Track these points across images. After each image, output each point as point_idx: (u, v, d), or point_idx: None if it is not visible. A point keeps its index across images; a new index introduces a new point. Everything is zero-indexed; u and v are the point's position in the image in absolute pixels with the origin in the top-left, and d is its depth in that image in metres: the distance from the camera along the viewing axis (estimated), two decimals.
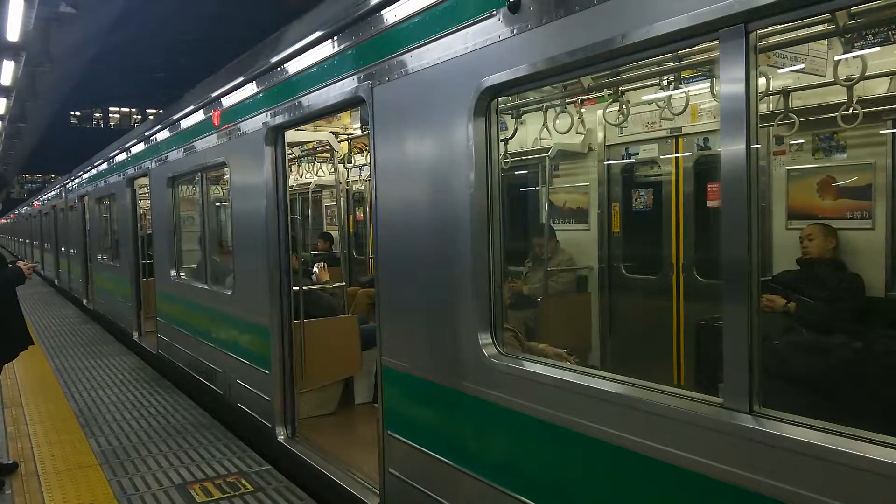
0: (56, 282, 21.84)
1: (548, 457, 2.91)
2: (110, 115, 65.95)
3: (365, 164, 8.11)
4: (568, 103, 5.46)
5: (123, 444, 5.97)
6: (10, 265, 5.52)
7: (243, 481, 5.03)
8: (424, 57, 3.49)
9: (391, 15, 3.74)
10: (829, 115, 4.18)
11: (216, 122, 6.57)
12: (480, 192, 3.20)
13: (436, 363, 3.56)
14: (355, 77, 4.13)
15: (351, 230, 11.13)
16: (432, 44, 3.42)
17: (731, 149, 2.18)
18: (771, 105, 4.71)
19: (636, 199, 6.62)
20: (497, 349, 3.18)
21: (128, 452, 5.75)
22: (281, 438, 5.42)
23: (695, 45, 2.73)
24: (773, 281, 4.66)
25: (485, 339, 3.20)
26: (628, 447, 2.50)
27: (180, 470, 5.31)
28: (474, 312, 3.23)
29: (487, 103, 3.17)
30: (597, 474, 2.68)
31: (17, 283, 5.35)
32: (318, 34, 4.48)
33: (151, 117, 14.25)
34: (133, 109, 63.79)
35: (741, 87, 2.14)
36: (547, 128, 5.41)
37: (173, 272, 8.45)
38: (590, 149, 6.67)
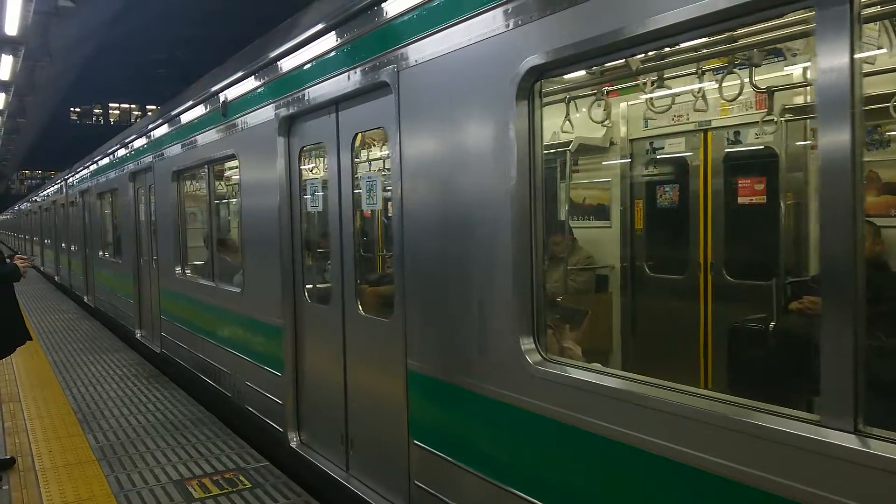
0: (56, 278, 21.56)
1: (599, 475, 2.65)
2: (110, 111, 65.63)
3: (377, 159, 7.81)
4: (591, 94, 5.18)
5: (121, 440, 5.89)
6: (8, 259, 5.57)
7: (241, 478, 4.96)
8: (459, 36, 3.22)
9: None
10: (882, 105, 3.91)
11: (225, 112, 6.30)
12: (522, 183, 2.93)
13: (469, 369, 3.28)
14: (379, 60, 3.86)
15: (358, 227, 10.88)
16: (468, 21, 3.15)
17: (830, 137, 1.90)
18: (809, 97, 4.45)
19: (661, 196, 6.35)
20: (541, 355, 2.91)
21: (125, 448, 5.67)
22: (294, 445, 5.15)
23: (773, 19, 2.45)
24: (812, 281, 4.42)
25: (527, 343, 2.93)
26: (704, 468, 2.22)
27: (178, 466, 5.23)
28: (515, 314, 2.96)
29: (531, 86, 2.90)
30: (665, 499, 2.41)
31: (12, 279, 5.36)
32: (340, 15, 4.21)
33: (151, 113, 14.00)
34: (133, 105, 63.47)
35: (845, 64, 1.86)
36: (569, 120, 5.14)
37: (178, 269, 8.19)
38: (612, 143, 6.40)
